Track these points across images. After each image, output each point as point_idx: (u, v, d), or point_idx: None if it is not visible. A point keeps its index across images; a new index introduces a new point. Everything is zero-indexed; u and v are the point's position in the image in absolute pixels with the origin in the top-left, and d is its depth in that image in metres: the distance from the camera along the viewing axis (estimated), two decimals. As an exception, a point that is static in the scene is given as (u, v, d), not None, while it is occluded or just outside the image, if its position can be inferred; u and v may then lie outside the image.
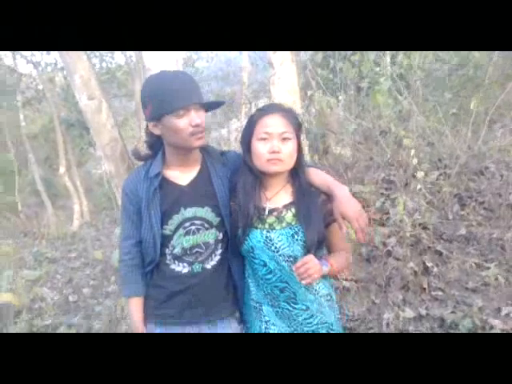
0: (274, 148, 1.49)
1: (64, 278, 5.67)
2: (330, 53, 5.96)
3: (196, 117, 1.52)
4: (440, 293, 3.23)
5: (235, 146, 5.90)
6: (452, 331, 2.83)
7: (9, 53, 11.29)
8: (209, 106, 1.63)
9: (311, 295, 1.60)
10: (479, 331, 2.76)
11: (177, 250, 1.63)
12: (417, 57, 4.75)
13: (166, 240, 1.64)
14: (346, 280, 3.50)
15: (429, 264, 3.44)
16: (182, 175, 1.65)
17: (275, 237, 1.56)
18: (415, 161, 3.96)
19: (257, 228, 1.58)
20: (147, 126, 1.63)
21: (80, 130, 11.19)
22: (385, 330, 2.98)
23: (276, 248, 1.55)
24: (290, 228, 1.56)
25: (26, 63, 12.44)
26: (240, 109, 9.45)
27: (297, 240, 1.54)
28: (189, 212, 1.62)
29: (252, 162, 1.57)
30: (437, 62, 5.73)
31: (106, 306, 4.17)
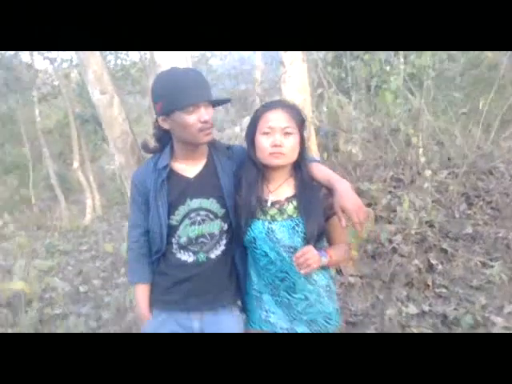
0: (276, 142, 1.55)
1: (75, 269, 5.78)
2: (341, 52, 5.99)
3: (205, 113, 1.58)
4: (444, 290, 3.26)
5: (247, 143, 5.92)
6: (453, 327, 2.87)
7: (25, 48, 11.43)
8: (217, 103, 1.70)
9: (310, 285, 1.65)
10: (480, 328, 2.79)
11: (183, 240, 1.69)
12: (428, 56, 4.77)
13: (172, 230, 1.69)
14: (351, 276, 3.54)
15: (433, 261, 3.47)
16: (189, 168, 1.71)
17: (276, 228, 1.61)
18: (423, 159, 3.99)
19: (259, 219, 1.63)
20: (156, 120, 1.69)
21: (94, 126, 11.32)
22: (387, 325, 3.02)
23: (277, 239, 1.60)
24: (291, 220, 1.61)
25: (43, 59, 12.63)
26: (252, 107, 9.49)
27: (297, 232, 1.59)
28: (195, 203, 1.68)
29: (255, 155, 1.63)
30: (448, 62, 5.72)
31: (114, 296, 4.26)
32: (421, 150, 4.13)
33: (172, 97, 1.57)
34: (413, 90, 4.74)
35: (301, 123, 1.63)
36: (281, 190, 1.66)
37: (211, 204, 1.69)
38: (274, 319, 1.69)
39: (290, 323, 1.68)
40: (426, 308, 3.09)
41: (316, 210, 1.59)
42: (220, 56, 14.49)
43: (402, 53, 5.38)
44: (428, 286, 3.31)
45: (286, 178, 1.68)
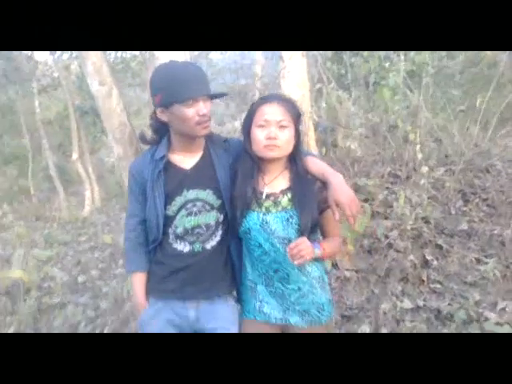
0: (271, 134, 1.58)
1: (74, 259, 5.81)
2: (341, 47, 5.97)
3: (203, 107, 1.61)
4: (438, 285, 3.29)
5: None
6: (447, 322, 2.90)
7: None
8: (214, 97, 1.73)
9: (303, 276, 1.68)
10: (473, 323, 2.82)
11: (179, 230, 1.72)
12: (427, 54, 4.77)
13: (168, 220, 1.72)
14: (347, 270, 3.57)
15: (429, 257, 3.50)
16: (186, 159, 1.74)
17: (271, 219, 1.64)
18: (420, 156, 4.01)
19: (254, 211, 1.66)
20: (154, 112, 1.72)
21: (93, 118, 11.30)
22: (382, 320, 3.05)
23: (271, 230, 1.63)
24: (286, 212, 1.64)
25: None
26: (252, 102, 9.47)
27: (291, 223, 1.62)
28: (191, 194, 1.71)
29: (251, 148, 1.65)
30: (448, 59, 5.73)
31: (112, 287, 4.29)
32: (418, 147, 4.15)
33: (172, 89, 1.59)
34: (411, 87, 4.75)
35: (296, 117, 1.65)
36: (276, 182, 1.69)
37: (207, 195, 1.72)
38: (268, 309, 1.71)
39: (283, 313, 1.70)
40: (421, 303, 3.12)
41: (310, 202, 1.62)
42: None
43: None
44: (423, 281, 3.34)
45: (281, 171, 1.70)
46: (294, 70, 4.48)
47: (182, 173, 1.72)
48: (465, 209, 3.95)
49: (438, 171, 4.26)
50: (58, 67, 11.96)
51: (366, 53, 5.11)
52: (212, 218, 1.73)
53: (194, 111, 1.60)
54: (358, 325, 3.05)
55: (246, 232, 1.67)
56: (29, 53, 12.41)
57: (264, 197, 1.67)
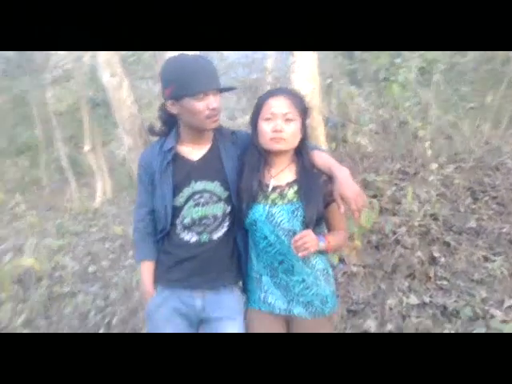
0: (277, 127, 1.60)
1: (85, 249, 5.86)
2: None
3: (214, 100, 1.64)
4: (445, 282, 3.28)
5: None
6: (453, 318, 2.91)
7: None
8: (224, 90, 1.75)
9: (308, 268, 1.70)
10: (479, 320, 2.82)
11: (187, 221, 1.75)
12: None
13: (176, 211, 1.75)
14: (354, 265, 3.58)
15: (436, 254, 3.49)
16: (194, 151, 1.77)
17: (277, 212, 1.66)
18: (430, 152, 4.00)
19: (260, 203, 1.68)
20: (164, 104, 1.74)
21: (105, 110, 11.33)
22: (388, 315, 3.06)
23: (277, 222, 1.65)
24: (291, 204, 1.66)
25: (56, 42, 12.61)
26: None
27: (296, 216, 1.64)
28: (199, 185, 1.73)
29: (258, 140, 1.67)
30: (459, 56, 5.68)
31: (122, 277, 4.34)
32: (428, 144, 4.13)
33: (183, 82, 1.61)
34: (422, 83, 4.73)
35: (303, 110, 1.67)
36: (282, 175, 1.71)
37: (215, 187, 1.74)
38: (272, 300, 1.74)
39: (287, 304, 1.72)
40: (427, 299, 3.12)
41: (316, 195, 1.64)
42: (232, 44, 14.36)
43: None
44: (430, 277, 3.34)
45: (287, 164, 1.72)
46: (305, 65, 4.45)
47: (189, 164, 1.75)
48: (474, 206, 3.92)
49: (447, 168, 4.23)
50: (70, 58, 11.99)
51: (378, 48, 5.07)
52: (219, 209, 1.75)
53: (204, 105, 1.62)
54: (363, 319, 3.07)
55: (251, 224, 1.69)
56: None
57: (270, 189, 1.69)
